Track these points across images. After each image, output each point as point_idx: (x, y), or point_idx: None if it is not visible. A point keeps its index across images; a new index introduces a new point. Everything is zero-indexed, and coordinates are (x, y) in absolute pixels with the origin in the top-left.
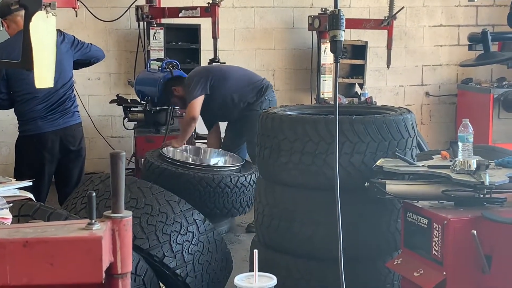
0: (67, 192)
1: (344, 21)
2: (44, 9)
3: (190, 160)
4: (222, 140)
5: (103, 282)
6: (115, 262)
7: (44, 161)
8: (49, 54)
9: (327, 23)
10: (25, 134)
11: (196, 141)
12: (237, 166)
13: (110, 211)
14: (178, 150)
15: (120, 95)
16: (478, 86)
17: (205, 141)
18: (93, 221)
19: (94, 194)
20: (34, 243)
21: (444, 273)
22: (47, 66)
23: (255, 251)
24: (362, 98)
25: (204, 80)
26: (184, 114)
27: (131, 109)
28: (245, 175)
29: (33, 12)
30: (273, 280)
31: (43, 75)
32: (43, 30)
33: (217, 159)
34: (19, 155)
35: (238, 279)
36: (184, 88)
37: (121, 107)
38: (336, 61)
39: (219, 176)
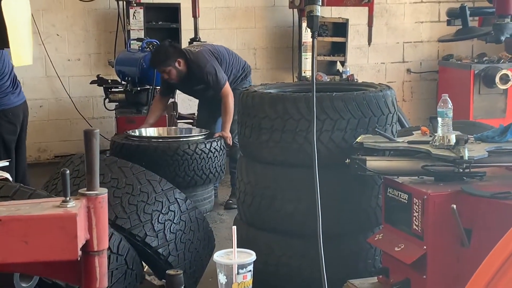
0: (23, 168)
1: None
2: None
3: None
4: (196, 118)
5: (79, 259)
6: (91, 239)
7: (16, 135)
8: (24, 31)
9: None
10: (1, 108)
11: (178, 121)
12: (200, 135)
13: (85, 188)
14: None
15: (100, 75)
16: (458, 62)
17: (188, 121)
18: (68, 198)
19: (67, 171)
20: (8, 221)
21: (424, 247)
22: (24, 43)
23: (234, 227)
24: (344, 76)
25: (218, 64)
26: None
27: (112, 89)
28: (205, 142)
29: None
30: (252, 256)
31: (20, 53)
32: (16, 7)
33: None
34: None
35: (218, 255)
36: (196, 71)
37: (102, 87)
38: (313, 36)
39: (176, 144)
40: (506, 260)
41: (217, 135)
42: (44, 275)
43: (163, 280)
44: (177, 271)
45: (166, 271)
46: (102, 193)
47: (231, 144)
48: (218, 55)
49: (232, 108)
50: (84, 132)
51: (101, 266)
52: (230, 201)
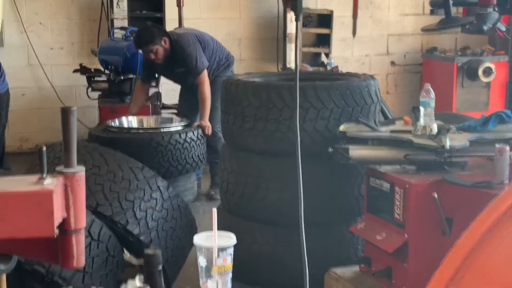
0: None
1: None
2: None
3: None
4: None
5: (57, 237)
6: (68, 218)
7: (1, 121)
8: None
9: None
10: None
11: (162, 111)
12: (178, 126)
13: (62, 166)
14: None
15: (83, 64)
16: (442, 55)
17: (172, 111)
18: (44, 175)
19: (44, 148)
20: None
21: (406, 236)
22: None
23: (214, 209)
24: (328, 68)
25: (201, 49)
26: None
27: (95, 78)
28: (180, 132)
29: None
30: (233, 239)
31: None
32: None
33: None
34: None
35: (198, 238)
36: (179, 53)
37: (85, 76)
38: (296, 19)
39: (149, 136)
40: (479, 241)
41: (196, 124)
42: (21, 254)
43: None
44: (155, 250)
45: (145, 250)
46: (79, 171)
47: (209, 133)
48: (202, 40)
49: (209, 96)
50: (61, 109)
51: (78, 244)
52: (212, 192)
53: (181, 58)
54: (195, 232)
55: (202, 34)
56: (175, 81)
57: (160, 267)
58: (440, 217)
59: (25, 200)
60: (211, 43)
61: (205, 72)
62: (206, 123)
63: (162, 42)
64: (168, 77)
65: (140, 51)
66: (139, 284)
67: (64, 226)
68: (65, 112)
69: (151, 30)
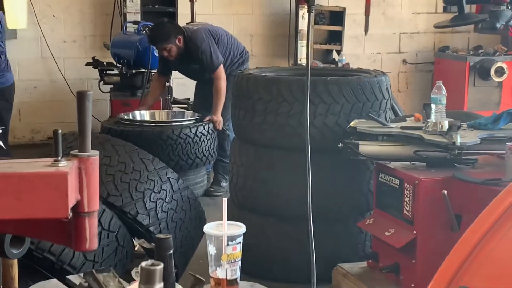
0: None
1: None
2: None
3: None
4: (192, 103)
5: (70, 219)
6: (81, 200)
7: (11, 112)
8: None
9: None
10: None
11: (173, 105)
12: (189, 120)
13: (77, 150)
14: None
15: (96, 58)
16: (454, 54)
17: (183, 105)
18: (59, 158)
19: (59, 131)
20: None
21: (415, 232)
22: (18, 6)
23: (224, 199)
24: (340, 64)
25: (215, 45)
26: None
27: (107, 72)
28: (190, 127)
29: None
30: (242, 228)
31: (15, 16)
32: None
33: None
34: None
35: (208, 227)
36: (193, 50)
37: (97, 70)
38: (309, 11)
39: (160, 129)
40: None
41: (207, 119)
42: (35, 235)
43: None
44: (167, 235)
45: (156, 235)
46: (93, 155)
47: (220, 128)
48: (216, 35)
49: (224, 92)
50: (77, 93)
51: (91, 227)
52: (211, 188)
53: (196, 54)
54: (204, 224)
55: (216, 29)
56: (190, 77)
57: (171, 251)
58: (449, 214)
59: (40, 181)
60: (226, 38)
61: (221, 67)
62: (218, 117)
63: (176, 41)
64: (182, 72)
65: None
66: (150, 262)
67: (77, 208)
68: (81, 96)
69: (166, 28)
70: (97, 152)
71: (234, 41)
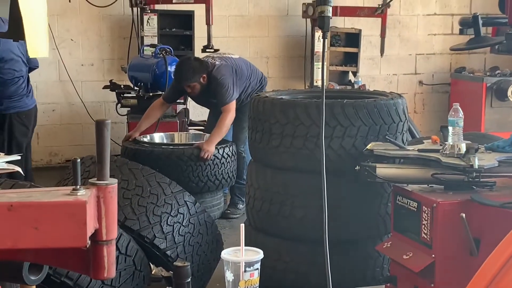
0: (28, 168)
1: None
2: None
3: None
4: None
5: (88, 248)
6: (100, 229)
7: (27, 137)
8: (40, 22)
9: None
10: (16, 110)
11: (190, 127)
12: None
13: (95, 178)
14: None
15: (113, 80)
16: (471, 75)
17: (199, 127)
18: (78, 187)
19: (79, 160)
20: (18, 206)
21: (433, 255)
22: (40, 35)
23: (242, 225)
24: (356, 86)
25: (235, 81)
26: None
27: (124, 95)
28: (217, 148)
29: None
30: (260, 254)
31: (36, 44)
32: None
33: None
34: (9, 133)
35: (225, 253)
36: (212, 82)
37: (114, 93)
38: (324, 37)
39: (180, 150)
40: (506, 263)
41: (196, 144)
42: (53, 263)
43: (171, 272)
44: (185, 262)
45: (174, 263)
46: (112, 183)
47: (207, 158)
48: (238, 71)
49: (227, 127)
50: (96, 122)
51: (110, 255)
52: (228, 211)
53: (215, 90)
54: (221, 247)
55: (238, 64)
56: (208, 107)
57: (189, 279)
58: (467, 237)
59: (59, 210)
60: (246, 71)
61: (232, 104)
62: (210, 147)
63: (201, 79)
64: (201, 104)
65: (170, 69)
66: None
67: (96, 237)
68: (100, 125)
69: (192, 67)
70: (115, 180)
71: (254, 69)
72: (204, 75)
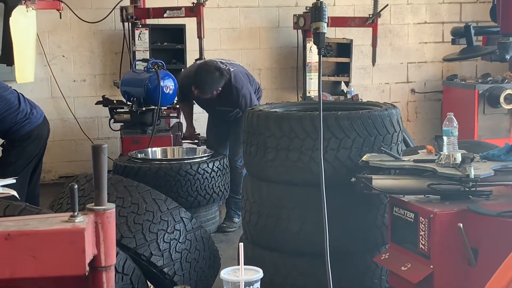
0: (37, 187)
1: (326, 13)
2: (24, 3)
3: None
4: (206, 140)
5: (87, 274)
6: (98, 255)
7: (25, 161)
8: (29, 49)
9: (310, 15)
10: (25, 131)
11: (183, 141)
12: (204, 156)
13: (93, 203)
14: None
15: (105, 96)
16: (463, 82)
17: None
18: (76, 213)
19: (76, 186)
20: (16, 235)
21: (431, 266)
22: (28, 61)
23: (241, 244)
24: (348, 96)
25: (251, 88)
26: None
27: (117, 110)
28: (207, 162)
29: (13, 7)
30: (259, 273)
31: (24, 70)
32: (24, 24)
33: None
34: (19, 153)
35: (224, 273)
36: (233, 91)
37: (107, 108)
38: (319, 53)
39: (178, 165)
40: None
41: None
42: None
43: None
44: (185, 287)
45: (174, 287)
46: (110, 208)
47: (191, 139)
48: (248, 75)
49: None
50: (92, 147)
51: (109, 281)
52: (224, 225)
53: (233, 97)
54: (218, 263)
55: (245, 70)
56: (207, 110)
57: None
58: (465, 247)
59: (57, 238)
60: (249, 78)
61: None
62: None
63: (220, 88)
64: (205, 108)
65: (162, 83)
66: None
67: (94, 263)
68: (96, 150)
69: (215, 77)
70: (113, 205)
71: (252, 79)
72: (221, 88)
